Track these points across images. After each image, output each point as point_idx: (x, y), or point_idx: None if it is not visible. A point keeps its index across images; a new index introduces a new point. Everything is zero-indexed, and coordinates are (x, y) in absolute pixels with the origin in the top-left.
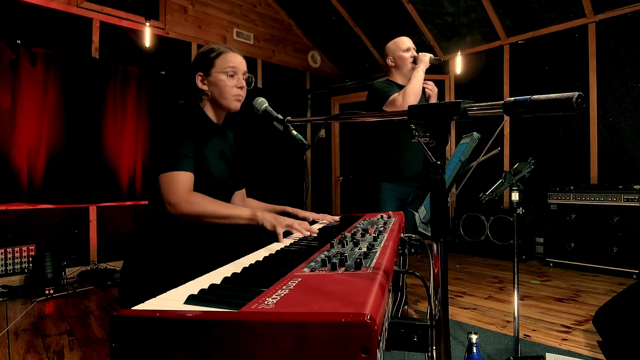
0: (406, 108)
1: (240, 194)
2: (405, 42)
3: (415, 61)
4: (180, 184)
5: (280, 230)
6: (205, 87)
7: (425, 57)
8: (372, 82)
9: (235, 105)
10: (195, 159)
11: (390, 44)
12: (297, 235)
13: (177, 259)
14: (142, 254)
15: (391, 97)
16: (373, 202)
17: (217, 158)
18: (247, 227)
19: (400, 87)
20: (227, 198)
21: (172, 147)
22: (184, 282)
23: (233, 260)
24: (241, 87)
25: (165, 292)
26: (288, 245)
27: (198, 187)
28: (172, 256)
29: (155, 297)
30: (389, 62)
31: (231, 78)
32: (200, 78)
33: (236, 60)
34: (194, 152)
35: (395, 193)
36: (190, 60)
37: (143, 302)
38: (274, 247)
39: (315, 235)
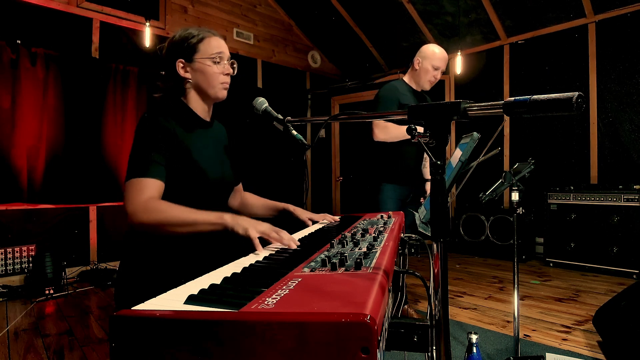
0: (380, 139)
1: (237, 190)
2: (441, 60)
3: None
4: (141, 192)
5: (255, 235)
6: (188, 75)
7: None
8: (376, 82)
9: (223, 94)
10: (184, 163)
11: (428, 51)
12: (277, 244)
13: (173, 259)
14: (136, 255)
15: (377, 121)
16: (374, 203)
17: (211, 157)
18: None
19: (409, 89)
20: (225, 199)
21: (141, 153)
22: (181, 283)
23: (231, 261)
24: (228, 74)
25: (161, 292)
26: (272, 253)
27: (193, 191)
28: (167, 257)
29: (150, 298)
30: (416, 62)
31: (217, 65)
32: (181, 65)
33: (221, 45)
34: (181, 156)
35: (396, 194)
36: None
37: (139, 302)
38: (273, 248)
39: (296, 247)
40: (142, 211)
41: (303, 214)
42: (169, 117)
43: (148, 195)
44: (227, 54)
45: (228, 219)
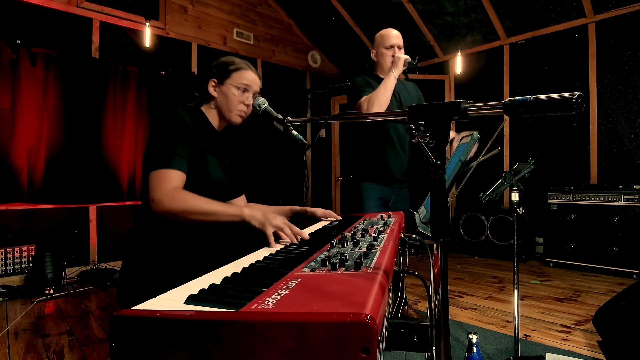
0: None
1: (241, 201)
2: (391, 38)
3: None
4: (168, 181)
5: (270, 231)
6: (215, 94)
7: (400, 61)
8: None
9: (237, 120)
10: (193, 162)
11: (377, 36)
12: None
13: (175, 259)
14: (139, 255)
15: (360, 100)
16: (357, 202)
17: (216, 163)
18: (244, 227)
19: (378, 78)
20: (222, 201)
21: (165, 145)
22: (183, 282)
23: (232, 261)
24: (247, 105)
25: (164, 292)
26: (282, 248)
27: (195, 190)
28: (169, 256)
29: (153, 297)
30: (372, 55)
31: (241, 94)
32: (213, 84)
33: (251, 78)
34: (193, 154)
35: (377, 192)
36: (190, 60)
37: (141, 302)
38: (273, 248)
39: (307, 239)
40: (169, 199)
41: (316, 212)
42: (190, 116)
43: (174, 185)
44: (255, 88)
45: (246, 212)
